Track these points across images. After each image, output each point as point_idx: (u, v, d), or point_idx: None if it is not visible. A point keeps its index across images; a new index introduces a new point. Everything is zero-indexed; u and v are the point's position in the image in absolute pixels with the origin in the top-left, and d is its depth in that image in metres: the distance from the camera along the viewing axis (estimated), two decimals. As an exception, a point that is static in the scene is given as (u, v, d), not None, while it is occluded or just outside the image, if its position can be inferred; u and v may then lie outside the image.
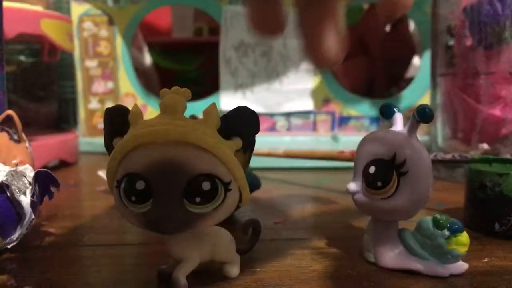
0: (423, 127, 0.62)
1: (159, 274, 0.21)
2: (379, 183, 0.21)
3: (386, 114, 0.23)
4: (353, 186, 0.22)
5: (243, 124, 0.20)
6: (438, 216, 0.21)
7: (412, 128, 0.21)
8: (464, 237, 0.21)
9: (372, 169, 0.22)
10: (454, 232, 0.21)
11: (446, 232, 0.21)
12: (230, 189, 0.19)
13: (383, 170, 0.21)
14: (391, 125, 0.23)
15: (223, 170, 0.19)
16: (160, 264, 0.22)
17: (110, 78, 0.67)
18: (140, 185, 0.18)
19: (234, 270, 0.22)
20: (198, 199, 0.18)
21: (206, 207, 0.18)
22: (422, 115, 0.20)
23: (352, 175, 0.23)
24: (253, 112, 0.20)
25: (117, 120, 0.20)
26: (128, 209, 0.19)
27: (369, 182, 0.22)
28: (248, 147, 0.20)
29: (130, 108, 0.20)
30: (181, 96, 0.19)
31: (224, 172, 0.19)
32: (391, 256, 0.22)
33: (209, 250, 0.21)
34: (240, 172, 0.19)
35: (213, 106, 0.19)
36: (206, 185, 0.18)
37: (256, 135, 0.21)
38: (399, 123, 0.22)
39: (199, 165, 0.18)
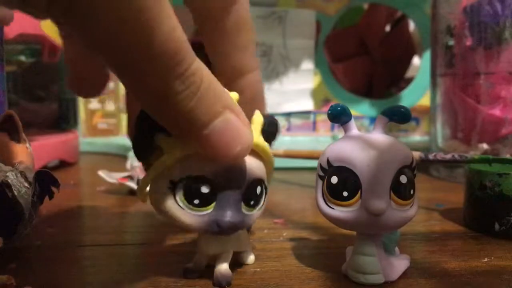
0: (422, 127, 0.62)
1: (186, 273, 0.21)
2: (411, 191, 0.20)
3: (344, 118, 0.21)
4: (382, 203, 0.19)
5: (271, 132, 0.22)
6: None
7: (385, 130, 0.21)
8: None
9: (404, 179, 0.19)
10: None
11: None
12: (267, 192, 0.21)
13: (411, 176, 0.20)
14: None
15: (265, 174, 0.21)
16: (159, 264, 0.22)
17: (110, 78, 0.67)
18: (205, 188, 0.19)
19: (252, 257, 0.23)
20: (252, 202, 0.20)
21: (256, 209, 0.20)
22: (402, 116, 0.20)
23: (364, 192, 0.19)
24: (277, 121, 0.22)
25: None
26: (184, 211, 0.19)
27: (401, 193, 0.19)
28: None
29: None
30: None
31: (265, 177, 0.21)
32: (394, 265, 0.21)
33: (236, 242, 0.22)
34: (271, 175, 0.22)
35: (258, 114, 0.21)
36: (258, 190, 0.20)
37: None
38: (354, 128, 0.21)
39: (256, 170, 0.20)
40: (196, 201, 0.19)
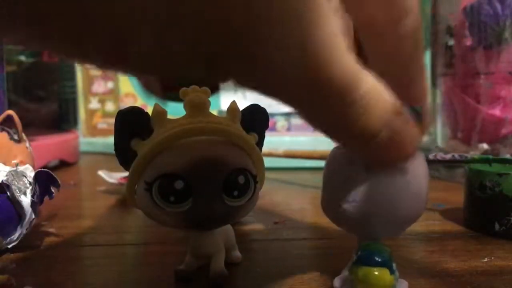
0: (423, 127, 0.62)
1: (177, 274, 0.21)
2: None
3: None
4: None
5: (257, 120, 0.21)
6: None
7: None
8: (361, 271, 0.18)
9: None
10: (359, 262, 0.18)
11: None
12: (257, 181, 0.20)
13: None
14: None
15: (251, 163, 0.20)
16: (159, 264, 0.22)
17: (110, 78, 0.67)
18: (179, 184, 0.18)
19: (238, 255, 0.23)
20: (236, 193, 0.19)
21: (242, 200, 0.19)
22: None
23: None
24: (264, 109, 0.22)
25: (134, 121, 0.19)
26: (164, 210, 0.18)
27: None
28: (260, 142, 0.22)
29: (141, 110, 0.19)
30: (204, 94, 0.20)
31: (252, 166, 0.20)
32: None
33: (225, 239, 0.22)
34: (262, 165, 0.21)
35: (235, 103, 0.20)
36: (241, 179, 0.19)
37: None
38: None
39: (234, 160, 0.19)
40: (172, 198, 0.18)
